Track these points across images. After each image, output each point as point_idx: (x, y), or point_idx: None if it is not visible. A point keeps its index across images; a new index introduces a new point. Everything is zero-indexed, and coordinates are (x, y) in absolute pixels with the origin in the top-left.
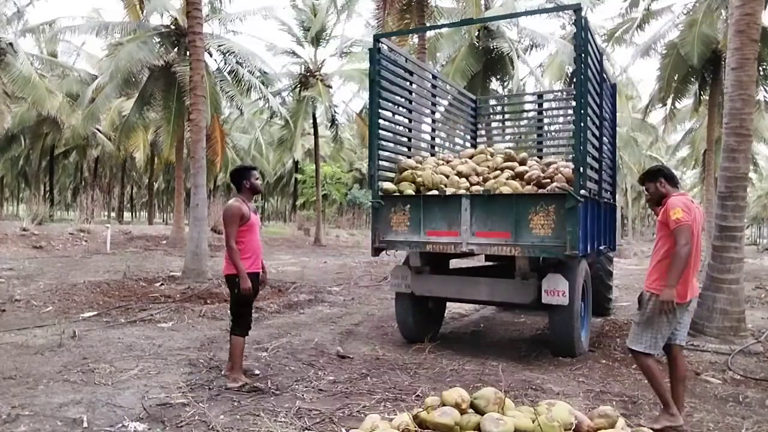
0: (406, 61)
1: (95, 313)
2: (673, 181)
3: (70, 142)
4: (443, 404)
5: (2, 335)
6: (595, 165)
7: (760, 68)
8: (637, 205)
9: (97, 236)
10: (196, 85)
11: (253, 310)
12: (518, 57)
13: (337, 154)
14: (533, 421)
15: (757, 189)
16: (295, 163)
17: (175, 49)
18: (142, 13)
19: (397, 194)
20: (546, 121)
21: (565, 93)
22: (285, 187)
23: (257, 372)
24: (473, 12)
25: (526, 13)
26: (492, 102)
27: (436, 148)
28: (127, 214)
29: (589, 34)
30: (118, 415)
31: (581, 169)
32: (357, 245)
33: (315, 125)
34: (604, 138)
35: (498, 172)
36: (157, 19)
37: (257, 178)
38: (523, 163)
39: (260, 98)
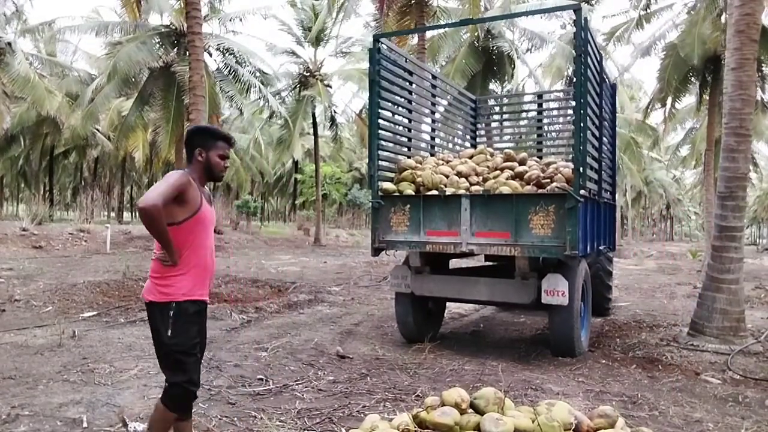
0: (405, 61)
1: (95, 313)
2: None
3: (69, 142)
4: (443, 404)
5: (2, 335)
6: (595, 165)
7: (762, 68)
8: (636, 205)
9: (97, 236)
10: (195, 85)
11: (200, 364)
12: (518, 57)
13: (336, 154)
14: (533, 421)
15: (757, 189)
16: (295, 163)
17: (175, 49)
18: (139, 13)
19: (397, 194)
20: (546, 121)
21: (565, 93)
22: (285, 187)
23: None
24: (473, 12)
25: (526, 13)
26: (492, 102)
27: (436, 148)
28: (126, 214)
29: (588, 34)
30: (118, 415)
31: (581, 169)
32: (357, 245)
33: (314, 125)
34: (604, 138)
35: (498, 172)
36: (156, 19)
37: (223, 155)
38: (522, 163)
39: (260, 98)
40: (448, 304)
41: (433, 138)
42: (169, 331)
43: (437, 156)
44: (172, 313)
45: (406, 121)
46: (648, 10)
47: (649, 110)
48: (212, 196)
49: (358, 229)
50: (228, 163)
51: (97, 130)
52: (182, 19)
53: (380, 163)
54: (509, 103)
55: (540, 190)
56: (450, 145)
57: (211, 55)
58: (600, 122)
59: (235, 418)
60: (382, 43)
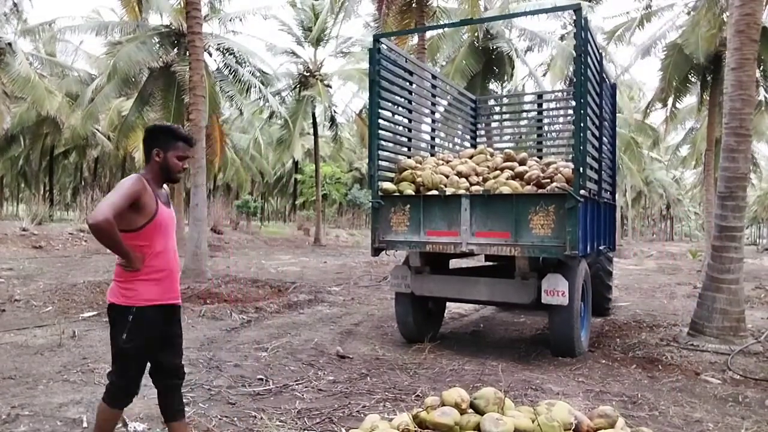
0: (405, 61)
1: (95, 313)
2: None
3: (69, 142)
4: (443, 404)
5: (2, 335)
6: (595, 165)
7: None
8: (637, 205)
9: None
10: (195, 85)
11: (145, 370)
12: (518, 57)
13: (336, 154)
14: (533, 421)
15: (757, 189)
16: (295, 163)
17: (175, 49)
18: (140, 13)
19: (397, 194)
20: (546, 121)
21: (565, 93)
22: (285, 187)
23: None
24: (472, 12)
25: (526, 13)
26: (492, 102)
27: (436, 148)
28: None
29: (589, 34)
30: None
31: (581, 169)
32: (357, 245)
33: (315, 125)
34: (604, 138)
35: (498, 172)
36: (156, 19)
37: (182, 156)
38: (523, 163)
39: (260, 98)
40: (448, 304)
41: (433, 138)
42: (125, 335)
43: (437, 156)
44: (131, 317)
45: (406, 121)
46: (649, 10)
47: (649, 110)
48: (170, 196)
49: (358, 229)
50: (187, 164)
51: (97, 130)
52: (182, 19)
53: (380, 163)
54: (509, 103)
55: (540, 190)
56: (450, 145)
57: (211, 55)
58: (600, 122)
59: (235, 418)
60: (382, 43)
